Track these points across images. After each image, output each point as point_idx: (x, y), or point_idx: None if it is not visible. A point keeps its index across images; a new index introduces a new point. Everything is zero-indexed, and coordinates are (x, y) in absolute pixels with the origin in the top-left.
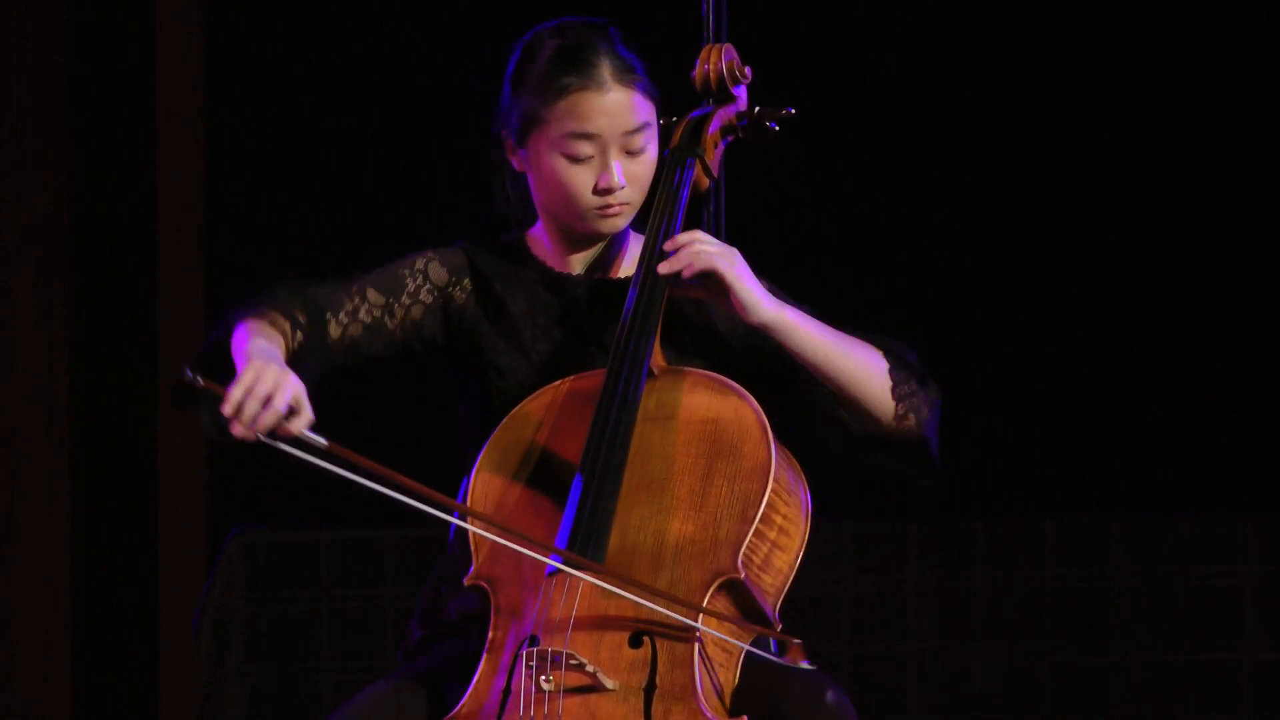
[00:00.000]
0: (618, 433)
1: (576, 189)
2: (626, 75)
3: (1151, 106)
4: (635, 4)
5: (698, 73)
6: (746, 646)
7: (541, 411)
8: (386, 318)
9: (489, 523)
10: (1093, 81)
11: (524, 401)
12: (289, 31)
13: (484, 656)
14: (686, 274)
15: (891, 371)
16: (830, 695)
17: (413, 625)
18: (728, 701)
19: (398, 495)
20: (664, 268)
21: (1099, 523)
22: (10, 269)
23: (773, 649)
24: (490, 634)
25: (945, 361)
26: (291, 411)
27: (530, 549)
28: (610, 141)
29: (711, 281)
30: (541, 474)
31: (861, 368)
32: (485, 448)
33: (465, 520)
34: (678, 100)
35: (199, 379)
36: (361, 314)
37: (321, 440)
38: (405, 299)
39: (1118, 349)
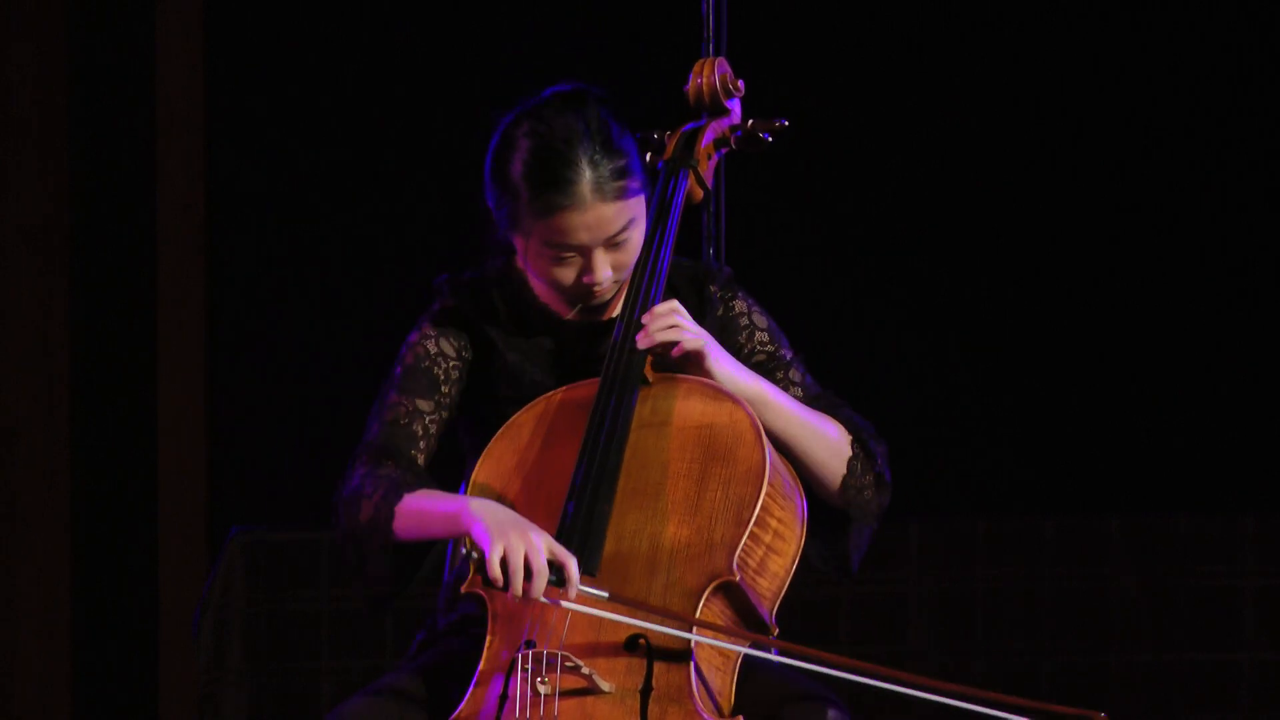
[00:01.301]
0: (612, 439)
1: (561, 281)
2: (610, 185)
3: (1151, 109)
4: (628, 16)
5: (691, 86)
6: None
7: (535, 420)
8: (442, 414)
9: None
10: (1089, 88)
11: (518, 412)
12: (289, 32)
13: (481, 660)
14: (675, 354)
15: (850, 462)
16: (832, 712)
17: (418, 633)
18: (725, 704)
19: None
20: (643, 342)
21: (1099, 523)
22: (10, 269)
23: (772, 652)
24: (487, 638)
25: (945, 362)
26: (555, 566)
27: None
28: (594, 247)
29: (690, 359)
30: (536, 482)
31: (824, 452)
32: (481, 457)
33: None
34: (670, 112)
35: (474, 553)
36: (431, 429)
37: (602, 593)
38: (445, 388)
39: (1118, 349)
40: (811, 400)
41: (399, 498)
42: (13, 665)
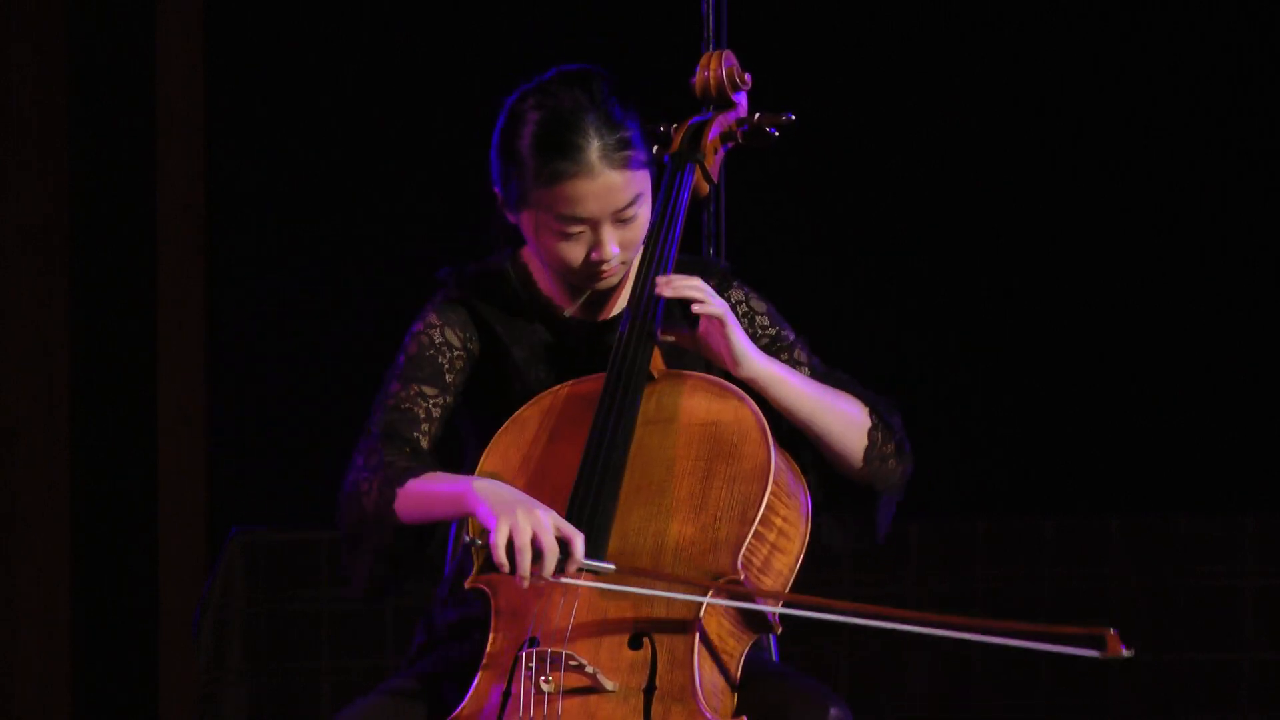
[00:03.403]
0: (617, 435)
1: (569, 260)
2: (616, 154)
3: (1151, 109)
4: (629, 15)
5: (698, 79)
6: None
7: (541, 415)
8: (446, 398)
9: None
10: (1089, 88)
11: (523, 406)
12: (289, 32)
13: (484, 658)
14: (694, 309)
15: (871, 433)
16: (834, 711)
17: (416, 631)
18: (728, 704)
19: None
20: (664, 289)
21: (1099, 523)
22: (10, 269)
23: (773, 653)
24: (491, 636)
25: (946, 362)
26: (563, 543)
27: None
28: (602, 220)
29: (710, 325)
30: (541, 477)
31: (842, 426)
32: (486, 452)
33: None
34: (677, 105)
35: (476, 540)
36: (435, 412)
37: (608, 566)
38: (449, 377)
39: (1117, 349)
40: (820, 378)
41: (402, 483)
42: (13, 665)
